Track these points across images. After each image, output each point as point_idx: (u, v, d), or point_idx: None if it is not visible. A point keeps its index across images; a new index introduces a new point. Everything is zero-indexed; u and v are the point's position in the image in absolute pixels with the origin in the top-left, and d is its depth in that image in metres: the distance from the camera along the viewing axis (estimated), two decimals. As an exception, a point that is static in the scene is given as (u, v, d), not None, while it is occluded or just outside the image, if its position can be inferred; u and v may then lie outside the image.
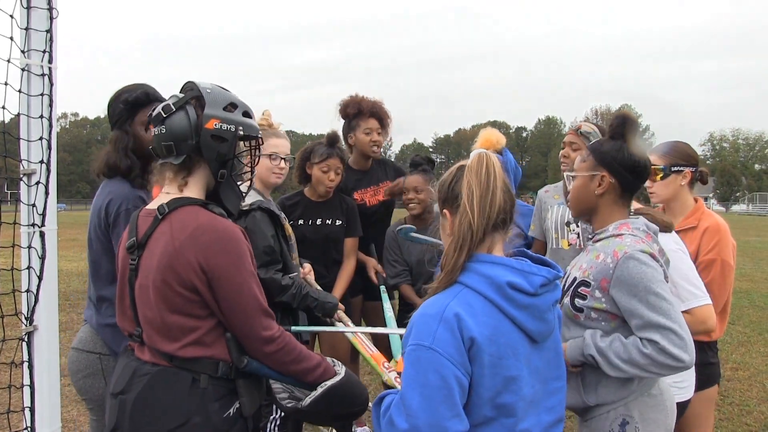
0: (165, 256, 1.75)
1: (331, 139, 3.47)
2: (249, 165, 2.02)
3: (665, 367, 1.82)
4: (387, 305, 3.32)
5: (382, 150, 4.07)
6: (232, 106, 1.90)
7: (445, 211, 1.70)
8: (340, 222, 3.53)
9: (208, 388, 1.79)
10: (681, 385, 2.35)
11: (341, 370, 2.01)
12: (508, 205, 1.62)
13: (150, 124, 1.87)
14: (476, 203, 1.56)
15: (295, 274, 2.81)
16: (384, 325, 3.59)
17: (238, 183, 1.98)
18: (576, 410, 2.06)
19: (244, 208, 2.71)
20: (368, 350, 2.75)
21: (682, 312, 2.15)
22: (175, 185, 1.87)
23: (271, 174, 2.94)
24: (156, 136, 1.85)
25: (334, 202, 3.53)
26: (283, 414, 2.83)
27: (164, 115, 1.82)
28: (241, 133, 1.89)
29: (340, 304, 2.91)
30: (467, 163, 1.63)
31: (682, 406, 2.35)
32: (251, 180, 2.06)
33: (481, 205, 1.56)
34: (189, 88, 1.90)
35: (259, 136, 1.98)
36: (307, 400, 1.94)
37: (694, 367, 2.37)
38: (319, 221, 3.48)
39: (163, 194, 1.88)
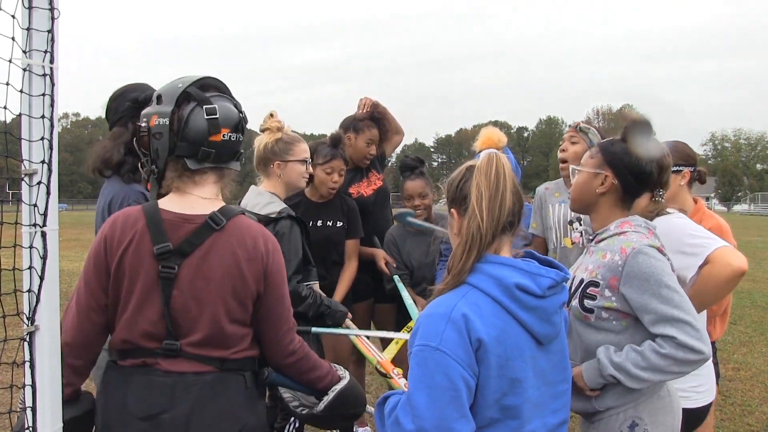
0: (235, 267, 1.71)
1: (335, 140, 3.46)
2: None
3: (686, 363, 1.80)
4: (405, 293, 3.29)
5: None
6: None
7: (452, 210, 1.71)
8: (341, 223, 3.52)
9: (252, 388, 1.80)
10: (699, 390, 2.31)
11: (345, 374, 2.04)
12: (516, 207, 1.62)
13: (225, 128, 1.77)
14: (485, 206, 1.56)
15: (312, 283, 2.85)
16: (394, 327, 3.61)
17: None
18: (583, 414, 2.05)
19: (272, 216, 2.72)
20: (374, 354, 2.78)
21: (700, 266, 2.16)
22: (215, 190, 1.83)
23: (301, 179, 2.97)
24: (225, 143, 1.78)
25: (335, 203, 3.52)
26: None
27: (245, 123, 1.80)
28: None
29: (348, 313, 2.95)
30: (476, 164, 1.63)
31: (704, 412, 2.31)
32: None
33: (490, 207, 1.56)
34: (213, 85, 1.84)
35: None
36: (321, 406, 1.97)
37: (713, 369, 2.36)
38: (319, 222, 3.47)
39: (196, 198, 1.80)
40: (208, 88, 1.82)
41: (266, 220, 2.70)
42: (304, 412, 2.02)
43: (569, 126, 3.43)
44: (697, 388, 2.31)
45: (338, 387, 1.98)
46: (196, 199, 1.80)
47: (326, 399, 1.97)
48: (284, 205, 2.85)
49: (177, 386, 1.69)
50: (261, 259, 1.75)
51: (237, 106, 1.81)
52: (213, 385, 1.71)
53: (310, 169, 3.02)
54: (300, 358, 1.88)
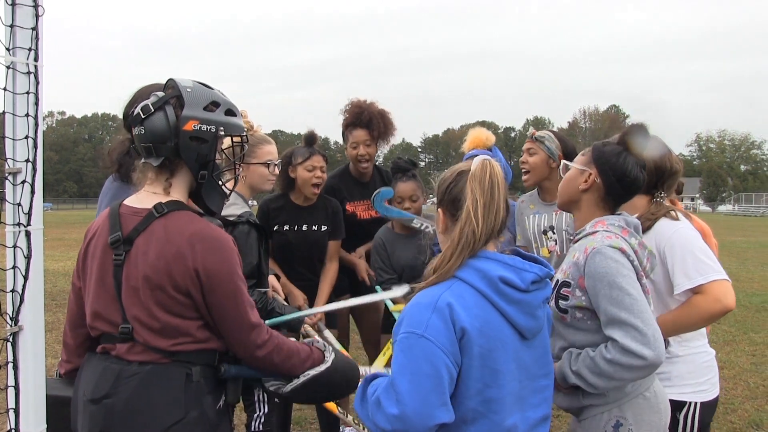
0: (161, 260, 1.73)
1: (309, 139, 3.44)
2: (234, 164, 2.00)
3: (633, 369, 1.79)
4: (388, 302, 3.21)
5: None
6: (214, 104, 1.86)
7: (439, 210, 1.75)
8: (326, 227, 3.48)
9: (201, 381, 1.79)
10: (713, 381, 2.31)
11: (329, 357, 2.00)
12: (505, 214, 1.67)
13: (131, 125, 1.85)
14: (480, 213, 1.61)
15: (265, 290, 2.81)
16: (378, 328, 3.57)
17: (221, 182, 1.94)
18: (571, 410, 2.06)
19: (232, 219, 2.69)
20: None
21: (690, 289, 2.15)
22: (160, 186, 1.85)
23: (266, 182, 2.93)
24: (136, 137, 1.82)
25: (319, 205, 3.49)
26: (266, 410, 2.86)
27: (143, 116, 1.79)
28: (222, 133, 1.85)
29: (306, 318, 2.91)
30: (471, 170, 1.66)
31: (716, 401, 2.32)
32: (236, 178, 2.04)
33: (485, 214, 1.61)
34: (170, 86, 1.86)
35: (244, 134, 1.95)
36: (288, 388, 1.95)
37: (715, 363, 2.35)
38: (305, 227, 3.44)
39: (148, 193, 1.86)
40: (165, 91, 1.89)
41: (225, 222, 2.68)
42: (272, 387, 2.01)
43: (527, 137, 3.43)
44: (711, 379, 2.31)
45: (311, 373, 1.94)
46: (148, 194, 1.86)
47: (295, 383, 1.94)
48: (247, 209, 2.83)
49: (121, 374, 1.76)
50: (189, 255, 1.74)
51: (157, 103, 1.81)
52: (152, 375, 1.75)
53: (276, 171, 2.97)
54: (270, 351, 1.85)
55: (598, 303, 1.88)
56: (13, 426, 1.73)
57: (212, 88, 1.90)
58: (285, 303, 2.98)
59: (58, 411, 1.87)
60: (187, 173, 1.87)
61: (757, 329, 7.48)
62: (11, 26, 1.69)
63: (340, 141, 4.05)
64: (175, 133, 1.79)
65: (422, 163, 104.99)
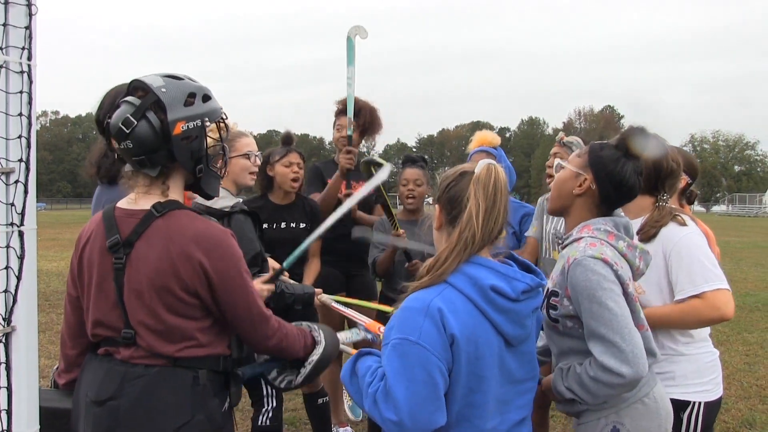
0: (166, 261, 1.72)
1: (286, 139, 3.55)
2: (222, 145, 1.96)
3: (614, 387, 1.77)
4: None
5: (365, 150, 4.07)
6: (191, 96, 1.80)
7: (437, 206, 1.76)
8: (304, 225, 3.54)
9: (207, 385, 1.79)
10: (717, 380, 2.31)
11: (320, 336, 2.10)
12: (504, 220, 1.67)
13: (112, 140, 1.79)
14: (482, 217, 1.61)
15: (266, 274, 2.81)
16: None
17: (216, 166, 1.94)
18: (570, 414, 2.05)
19: (226, 210, 2.69)
20: (359, 319, 2.76)
21: (692, 296, 2.14)
22: (158, 191, 1.82)
23: (247, 174, 2.94)
24: (123, 151, 1.77)
25: (298, 204, 3.56)
26: (274, 405, 2.94)
27: (127, 130, 1.73)
28: (208, 124, 1.82)
29: (316, 289, 2.86)
30: (475, 173, 1.66)
31: (720, 401, 2.32)
32: (225, 160, 1.99)
33: (485, 219, 1.62)
34: (140, 88, 1.78)
35: (223, 115, 1.92)
36: (300, 379, 2.08)
37: (719, 363, 2.35)
38: (283, 224, 3.49)
39: (144, 195, 1.83)
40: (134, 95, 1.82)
41: (220, 215, 2.67)
42: (283, 384, 2.12)
43: (555, 139, 3.46)
44: (715, 379, 2.30)
45: (315, 358, 2.06)
46: (144, 196, 1.84)
47: (303, 372, 2.07)
48: (237, 200, 2.85)
49: (127, 375, 1.74)
50: (195, 255, 1.74)
51: (137, 113, 1.74)
52: (159, 378, 1.74)
53: (258, 162, 3.00)
54: (281, 339, 1.93)
55: (580, 315, 1.86)
56: (5, 427, 1.72)
57: (180, 78, 1.83)
58: (291, 281, 2.93)
59: (57, 424, 1.85)
60: (181, 172, 1.86)
61: (751, 329, 7.52)
62: (4, 25, 1.68)
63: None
64: (166, 139, 1.74)
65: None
